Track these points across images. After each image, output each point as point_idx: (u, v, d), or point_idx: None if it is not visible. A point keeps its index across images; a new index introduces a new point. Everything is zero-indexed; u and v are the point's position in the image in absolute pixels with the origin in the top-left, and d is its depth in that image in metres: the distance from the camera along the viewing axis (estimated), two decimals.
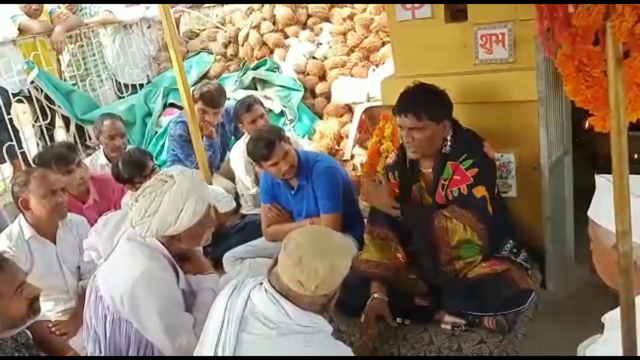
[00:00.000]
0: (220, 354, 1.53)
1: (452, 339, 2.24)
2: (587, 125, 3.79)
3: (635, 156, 3.60)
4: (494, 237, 2.34)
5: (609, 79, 0.81)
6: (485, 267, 2.29)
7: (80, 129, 4.92)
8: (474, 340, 2.21)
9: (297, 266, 1.50)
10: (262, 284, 1.61)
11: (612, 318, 1.30)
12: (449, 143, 2.34)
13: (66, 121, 4.93)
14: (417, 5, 2.63)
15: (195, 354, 1.71)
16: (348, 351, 1.61)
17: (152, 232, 1.93)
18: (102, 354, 2.04)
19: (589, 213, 1.37)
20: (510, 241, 2.37)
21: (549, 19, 0.82)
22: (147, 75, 5.51)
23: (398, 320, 2.38)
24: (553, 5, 0.80)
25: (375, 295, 2.41)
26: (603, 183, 1.32)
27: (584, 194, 1.42)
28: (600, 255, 1.35)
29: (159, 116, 4.83)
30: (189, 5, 6.23)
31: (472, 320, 2.27)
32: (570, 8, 0.82)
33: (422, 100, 2.28)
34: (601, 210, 1.32)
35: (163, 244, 2.00)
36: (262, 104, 3.76)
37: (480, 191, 2.26)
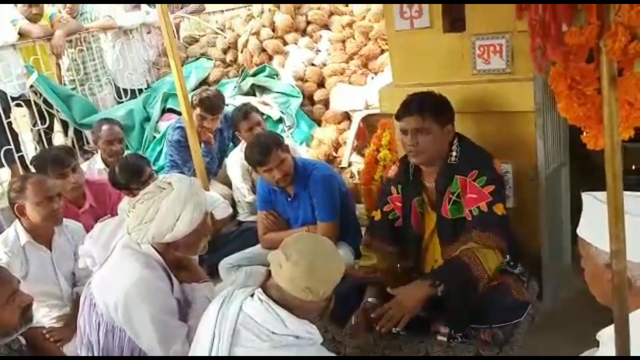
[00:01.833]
0: None
1: (447, 351, 2.23)
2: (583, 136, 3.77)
3: (632, 167, 3.61)
4: None
5: (603, 97, 0.81)
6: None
7: (78, 134, 4.92)
8: (469, 352, 2.19)
9: (309, 274, 1.51)
10: (253, 295, 1.61)
11: (608, 335, 1.29)
12: (454, 154, 2.32)
13: (64, 125, 4.93)
14: (415, 14, 2.63)
15: None
16: None
17: (148, 239, 1.93)
18: None
19: (578, 231, 1.37)
20: (507, 256, 2.36)
21: (541, 37, 0.82)
22: (147, 80, 5.51)
23: (393, 330, 2.36)
24: (546, 23, 0.80)
25: (369, 299, 2.39)
26: (590, 201, 1.32)
27: (581, 205, 1.41)
28: (592, 272, 1.35)
29: (158, 121, 4.83)
30: (189, 11, 6.25)
31: (468, 332, 2.25)
32: (564, 27, 0.82)
33: (426, 103, 2.28)
34: (590, 228, 1.32)
35: (159, 252, 1.99)
36: (258, 112, 3.77)
37: (500, 208, 2.23)
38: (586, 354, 1.56)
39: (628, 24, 0.77)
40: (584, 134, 0.96)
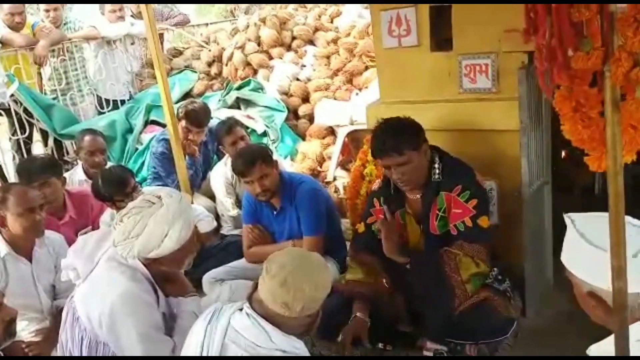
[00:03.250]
0: None
1: None
2: (563, 155, 3.87)
3: None
4: None
5: (606, 120, 0.84)
6: (471, 297, 2.29)
7: (58, 144, 4.85)
8: None
9: (283, 287, 1.49)
10: (242, 309, 1.60)
11: (599, 350, 1.32)
12: (437, 170, 2.36)
13: (44, 135, 4.86)
14: (403, 32, 2.68)
15: None
16: None
17: (134, 254, 1.90)
18: None
19: (562, 259, 1.39)
20: (495, 269, 2.39)
21: (549, 61, 0.84)
22: (129, 92, 5.47)
23: (380, 345, 2.37)
24: (553, 49, 0.83)
25: (357, 314, 2.39)
26: (569, 225, 1.35)
27: (561, 222, 1.45)
28: (579, 296, 1.38)
29: (140, 133, 4.79)
30: (173, 22, 6.24)
31: (454, 348, 2.27)
32: (570, 51, 0.84)
33: (396, 135, 2.29)
34: (570, 256, 1.36)
35: (144, 265, 1.97)
36: (243, 126, 3.77)
37: (484, 221, 2.29)
38: None
39: (631, 50, 0.80)
40: (587, 155, 0.98)
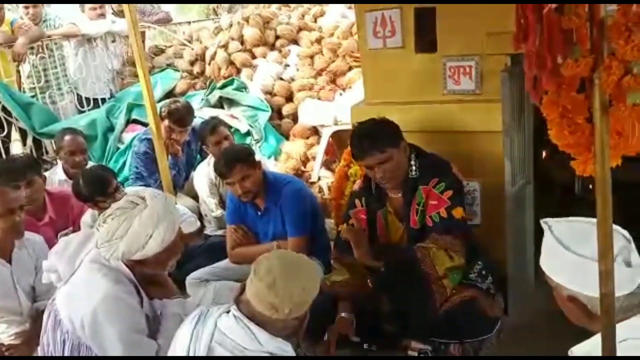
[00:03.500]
0: None
1: None
2: (544, 155, 3.90)
3: (590, 187, 3.76)
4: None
5: (595, 126, 0.85)
6: (455, 296, 2.31)
7: (37, 143, 4.77)
8: None
9: (271, 290, 1.49)
10: (229, 311, 1.59)
11: (580, 352, 1.34)
12: (414, 167, 2.39)
13: (23, 134, 4.77)
14: (388, 34, 2.69)
15: None
16: None
17: (117, 256, 1.88)
18: None
19: (541, 264, 1.41)
20: (479, 262, 2.42)
21: (538, 68, 0.86)
22: (110, 90, 5.41)
23: (365, 346, 2.38)
24: (543, 56, 0.84)
25: (342, 314, 2.40)
26: (546, 231, 1.37)
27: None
28: (559, 299, 1.40)
29: (122, 132, 4.73)
30: (154, 20, 6.18)
31: (439, 347, 2.29)
32: (559, 59, 0.86)
33: (375, 134, 2.33)
34: (548, 262, 1.38)
35: (128, 267, 1.95)
36: (227, 125, 3.75)
37: (458, 212, 2.31)
38: None
39: (623, 58, 0.81)
40: (574, 160, 1.00)
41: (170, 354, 1.64)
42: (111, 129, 4.80)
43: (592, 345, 1.33)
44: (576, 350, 1.38)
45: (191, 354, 1.51)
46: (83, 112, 5.11)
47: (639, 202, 2.76)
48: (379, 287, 2.46)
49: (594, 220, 1.35)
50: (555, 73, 0.85)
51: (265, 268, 1.53)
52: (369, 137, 2.32)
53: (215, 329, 1.54)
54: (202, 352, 1.50)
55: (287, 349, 1.57)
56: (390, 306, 2.46)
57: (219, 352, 1.52)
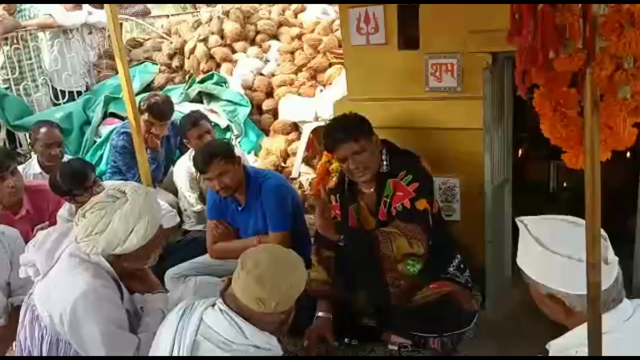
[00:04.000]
0: None
1: None
2: (520, 153, 3.96)
3: (564, 184, 3.85)
4: (440, 255, 2.41)
5: (585, 120, 0.87)
6: (433, 289, 2.34)
7: (11, 136, 4.66)
8: None
9: (259, 283, 1.49)
10: (214, 305, 1.58)
11: (558, 347, 1.37)
12: (385, 162, 2.42)
13: None
14: (371, 30, 2.70)
15: None
16: None
17: (97, 251, 1.85)
18: None
19: (518, 262, 1.43)
20: (458, 256, 2.45)
21: (529, 62, 0.87)
22: (86, 83, 5.32)
23: (345, 340, 2.39)
24: (534, 50, 0.86)
25: (320, 314, 2.42)
26: (522, 230, 1.38)
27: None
28: (536, 297, 1.42)
29: (99, 125, 4.66)
30: (132, 12, 6.09)
31: (418, 341, 2.32)
32: (551, 53, 0.88)
33: (349, 125, 2.37)
34: (525, 259, 1.39)
35: (108, 261, 1.92)
36: (208, 120, 3.72)
37: (422, 204, 2.34)
38: None
39: (615, 53, 0.84)
40: (564, 153, 1.02)
41: (154, 347, 1.62)
42: (87, 122, 4.73)
43: (569, 338, 1.36)
44: (553, 344, 1.40)
45: (176, 347, 1.50)
46: (58, 104, 5.02)
47: (612, 201, 2.84)
48: (360, 282, 2.48)
49: (570, 218, 1.38)
50: (546, 68, 0.87)
51: (253, 261, 1.53)
52: (343, 128, 2.36)
53: (200, 323, 1.53)
54: (187, 345, 1.50)
55: (273, 343, 1.57)
56: (370, 300, 2.48)
57: (205, 345, 1.51)
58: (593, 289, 0.95)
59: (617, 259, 1.30)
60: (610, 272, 1.27)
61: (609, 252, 1.27)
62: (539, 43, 0.85)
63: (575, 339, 1.32)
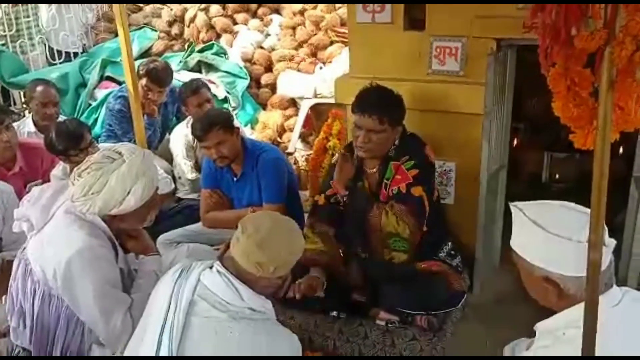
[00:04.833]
0: (166, 337, 1.50)
1: (386, 335, 2.33)
2: (515, 142, 3.97)
3: (557, 176, 3.89)
4: (432, 240, 2.44)
5: (600, 100, 0.89)
6: (422, 265, 2.38)
7: (5, 93, 4.60)
8: (407, 336, 2.31)
9: (259, 248, 1.51)
10: (212, 267, 1.60)
11: (545, 328, 1.40)
12: (393, 146, 2.42)
13: None
14: (377, 9, 2.69)
15: (136, 337, 1.66)
16: (294, 339, 1.64)
17: (94, 211, 1.85)
18: (28, 330, 1.94)
19: (512, 243, 1.44)
20: (449, 243, 2.49)
21: (551, 39, 0.89)
22: (83, 44, 5.25)
23: (334, 313, 2.43)
24: (558, 28, 0.87)
25: (313, 273, 2.43)
26: (517, 214, 1.39)
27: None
28: (528, 281, 1.44)
29: (94, 88, 4.61)
30: None
31: (406, 318, 2.36)
32: (573, 30, 0.89)
33: (385, 104, 2.32)
34: (521, 241, 1.40)
35: (104, 221, 1.92)
36: (208, 88, 3.70)
37: (417, 191, 2.35)
38: (514, 343, 1.67)
39: (635, 33, 0.85)
40: (573, 133, 1.04)
41: (149, 306, 1.64)
42: (83, 84, 4.68)
43: (557, 319, 1.39)
44: (541, 325, 1.43)
45: (172, 305, 1.52)
46: (54, 64, 4.95)
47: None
48: (353, 257, 2.51)
49: (564, 202, 1.40)
50: (568, 45, 0.89)
51: (255, 226, 1.54)
52: (379, 101, 2.32)
53: (198, 283, 1.55)
54: (184, 305, 1.51)
55: (268, 306, 1.60)
56: (361, 276, 2.51)
57: (201, 305, 1.53)
58: (593, 267, 0.97)
59: (614, 241, 1.32)
60: (607, 254, 1.29)
61: (605, 235, 1.29)
62: (562, 19, 0.86)
63: (563, 321, 1.35)
